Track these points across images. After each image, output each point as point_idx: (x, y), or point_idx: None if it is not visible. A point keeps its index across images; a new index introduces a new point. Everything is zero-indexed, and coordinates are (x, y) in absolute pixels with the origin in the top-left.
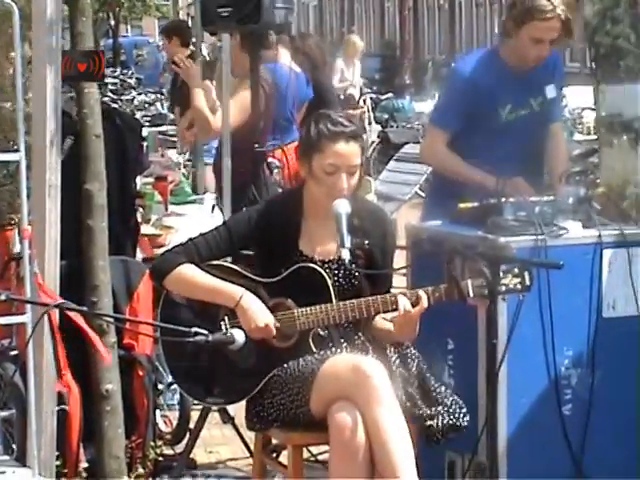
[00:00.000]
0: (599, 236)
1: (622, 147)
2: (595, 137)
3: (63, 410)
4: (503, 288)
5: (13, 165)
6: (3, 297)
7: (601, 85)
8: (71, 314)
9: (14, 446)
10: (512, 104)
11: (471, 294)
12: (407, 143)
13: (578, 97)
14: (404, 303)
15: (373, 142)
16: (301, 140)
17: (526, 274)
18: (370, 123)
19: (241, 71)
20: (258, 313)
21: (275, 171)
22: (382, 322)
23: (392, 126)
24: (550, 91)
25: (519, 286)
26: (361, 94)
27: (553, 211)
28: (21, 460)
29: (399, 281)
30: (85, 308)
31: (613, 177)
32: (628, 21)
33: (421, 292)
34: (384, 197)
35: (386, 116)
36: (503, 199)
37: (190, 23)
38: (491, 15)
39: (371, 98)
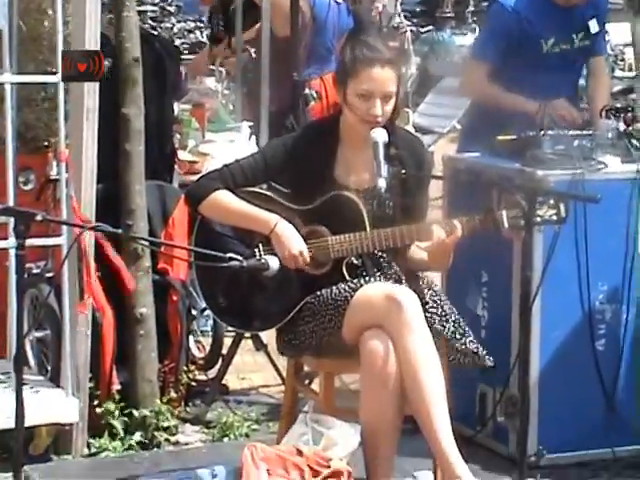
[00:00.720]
0: (637, 171)
1: None
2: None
3: (97, 332)
4: (538, 219)
5: (51, 87)
6: (39, 217)
7: (638, 21)
8: (101, 242)
9: (48, 367)
10: (555, 38)
11: (506, 224)
12: (446, 76)
13: (620, 34)
14: (438, 232)
15: (412, 74)
16: (337, 66)
17: (562, 206)
18: (410, 55)
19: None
20: (292, 240)
21: (311, 103)
22: (417, 251)
23: (432, 59)
24: (593, 26)
25: (555, 217)
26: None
27: (592, 145)
28: (55, 381)
29: (434, 214)
30: (120, 231)
31: None
32: None
33: (455, 221)
34: (422, 129)
35: (426, 49)
36: (542, 132)
37: None
38: None
39: (411, 31)
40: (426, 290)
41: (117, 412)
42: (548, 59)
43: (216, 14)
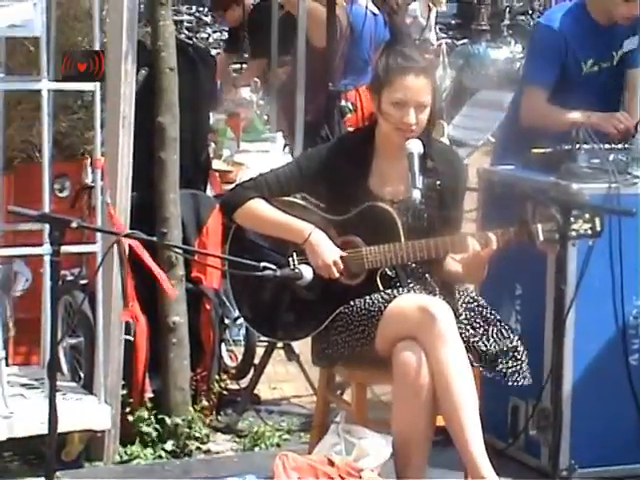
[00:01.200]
0: None
1: None
2: None
3: (130, 340)
4: (574, 233)
5: (88, 95)
6: (75, 224)
7: None
8: (137, 250)
9: (81, 373)
10: (594, 58)
11: (541, 237)
12: (481, 89)
13: None
14: (473, 244)
15: (447, 87)
16: (373, 75)
17: (597, 220)
18: (445, 68)
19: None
20: (326, 250)
21: (347, 115)
22: (451, 263)
23: (467, 72)
24: (631, 42)
25: (590, 231)
26: (437, 39)
27: (627, 159)
28: (88, 387)
29: (469, 227)
30: (155, 238)
31: None
32: None
33: (490, 234)
34: (456, 142)
35: (461, 61)
36: (577, 145)
37: None
38: None
39: (446, 43)
40: (460, 302)
41: (149, 420)
42: (588, 79)
43: (243, 30)
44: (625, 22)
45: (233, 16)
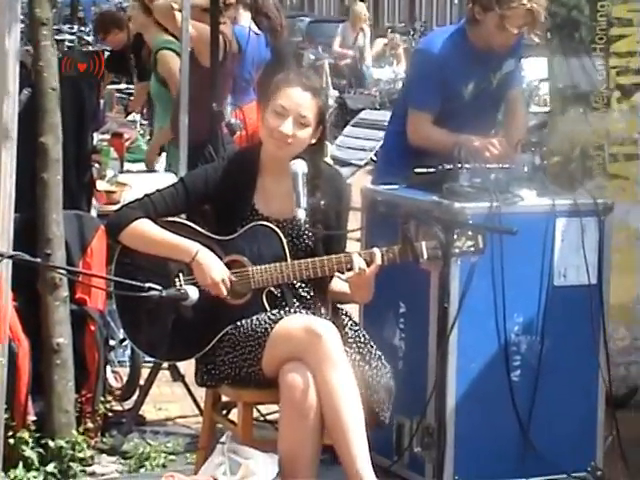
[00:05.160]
0: (553, 205)
1: (572, 117)
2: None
3: (13, 363)
4: (456, 250)
5: None
6: None
7: (555, 56)
8: None
9: None
10: (475, 81)
11: (425, 255)
12: (364, 109)
13: (536, 69)
14: (358, 262)
15: (330, 107)
16: (264, 90)
17: (479, 237)
18: (328, 88)
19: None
20: (213, 268)
21: (237, 133)
22: (338, 282)
23: (349, 92)
24: (509, 64)
25: (472, 249)
26: (318, 59)
27: (508, 179)
28: None
29: (354, 247)
30: (39, 260)
31: (563, 144)
32: None
33: (375, 249)
34: (340, 162)
35: (344, 82)
36: (459, 165)
37: None
38: None
39: (329, 63)
40: (346, 321)
41: (32, 442)
42: (468, 103)
43: (128, 54)
44: (502, 49)
45: (115, 40)
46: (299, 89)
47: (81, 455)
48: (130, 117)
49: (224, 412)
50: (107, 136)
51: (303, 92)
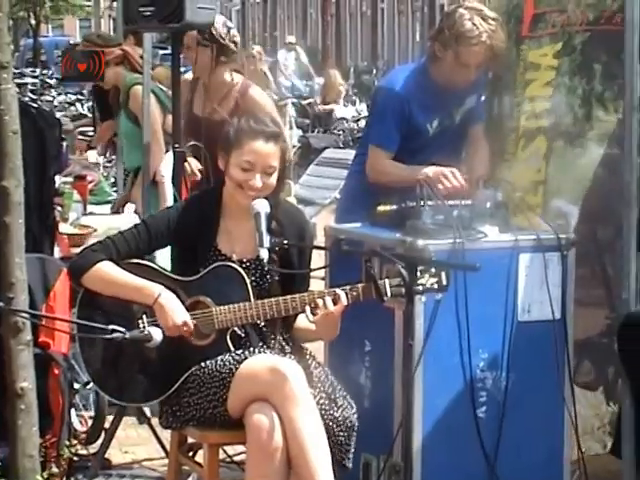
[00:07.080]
0: (516, 240)
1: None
2: None
3: None
4: (420, 287)
5: None
6: None
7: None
8: None
9: None
10: (438, 117)
11: (389, 293)
12: (327, 148)
13: None
14: (324, 301)
15: (294, 146)
16: (223, 135)
17: (443, 274)
18: (292, 128)
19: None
20: (176, 310)
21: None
22: (303, 322)
23: (313, 131)
24: (471, 100)
25: (436, 286)
26: (281, 99)
27: (471, 215)
28: None
29: (318, 285)
30: (1, 304)
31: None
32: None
33: (339, 290)
34: (304, 201)
35: (307, 121)
36: (422, 202)
37: (111, 24)
38: (413, 23)
39: (293, 103)
40: (310, 361)
41: None
42: (433, 139)
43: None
44: (463, 85)
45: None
46: (261, 142)
47: None
48: (93, 159)
49: (190, 453)
50: (70, 179)
51: (266, 144)
